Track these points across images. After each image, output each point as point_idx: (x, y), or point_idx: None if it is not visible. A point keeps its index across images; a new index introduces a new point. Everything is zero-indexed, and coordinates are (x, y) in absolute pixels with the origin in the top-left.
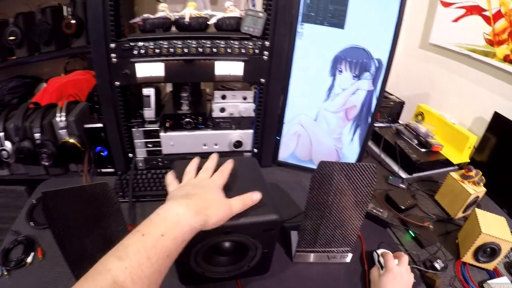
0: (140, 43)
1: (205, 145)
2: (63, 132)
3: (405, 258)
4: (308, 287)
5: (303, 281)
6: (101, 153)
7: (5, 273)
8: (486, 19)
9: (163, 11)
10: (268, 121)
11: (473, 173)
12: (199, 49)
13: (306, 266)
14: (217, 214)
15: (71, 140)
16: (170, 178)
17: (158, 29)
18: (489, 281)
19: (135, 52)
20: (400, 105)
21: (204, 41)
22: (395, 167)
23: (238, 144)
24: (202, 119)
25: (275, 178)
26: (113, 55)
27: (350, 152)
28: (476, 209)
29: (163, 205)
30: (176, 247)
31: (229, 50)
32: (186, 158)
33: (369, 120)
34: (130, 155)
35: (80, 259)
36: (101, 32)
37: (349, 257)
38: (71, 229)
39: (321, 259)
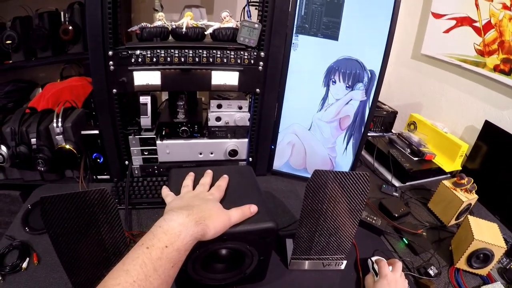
0: (138, 51)
1: (200, 154)
2: (59, 138)
3: (399, 264)
4: None
5: None
6: (98, 160)
7: (0, 278)
8: (477, 30)
9: (161, 20)
10: (263, 130)
11: (465, 180)
12: (195, 58)
13: (301, 274)
14: (217, 225)
15: (68, 146)
16: (166, 190)
17: (156, 38)
18: (482, 287)
19: (133, 60)
20: (393, 114)
21: (200, 50)
22: (388, 176)
23: (234, 153)
24: (198, 127)
25: (270, 187)
26: (110, 62)
27: (344, 161)
28: (469, 216)
29: (164, 217)
30: (180, 257)
31: (225, 60)
32: (182, 166)
33: (363, 129)
34: (126, 162)
35: (77, 265)
36: (99, 39)
37: (343, 264)
38: (69, 235)
39: (316, 266)
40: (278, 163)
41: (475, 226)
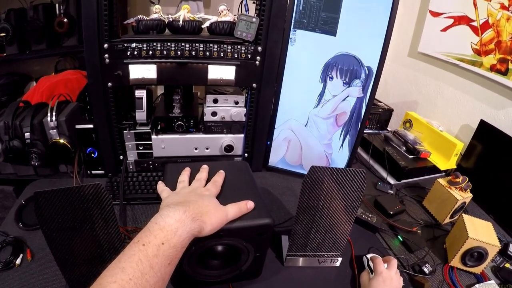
0: (134, 44)
1: (196, 149)
2: (53, 132)
3: (394, 262)
4: None
5: (294, 285)
6: (92, 155)
7: None
8: (474, 29)
9: (157, 13)
10: (259, 126)
11: (460, 179)
12: (192, 52)
13: (297, 270)
14: (213, 221)
15: (62, 141)
16: (162, 185)
17: (152, 31)
18: (476, 285)
19: (129, 53)
20: (389, 112)
21: (197, 44)
22: (384, 173)
23: (229, 148)
24: (194, 122)
25: (266, 183)
26: (106, 55)
27: (340, 158)
28: (463, 214)
29: (160, 213)
30: (176, 254)
31: (221, 54)
32: (177, 161)
33: (359, 126)
34: (121, 157)
35: (71, 262)
36: (94, 31)
37: (339, 261)
38: (63, 231)
39: (312, 263)
40: (274, 159)
41: (469, 225)
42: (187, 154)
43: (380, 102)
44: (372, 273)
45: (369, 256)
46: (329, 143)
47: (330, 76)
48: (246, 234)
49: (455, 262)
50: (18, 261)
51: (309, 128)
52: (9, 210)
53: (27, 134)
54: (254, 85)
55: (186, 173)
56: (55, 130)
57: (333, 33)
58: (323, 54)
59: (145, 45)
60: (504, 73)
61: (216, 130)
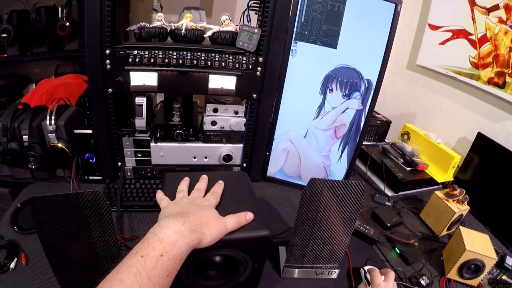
0: (135, 51)
1: (194, 158)
2: (52, 136)
3: (392, 274)
4: None
5: None
6: (90, 160)
7: None
8: (472, 42)
9: (160, 20)
10: (258, 136)
11: (457, 192)
12: (193, 61)
13: (294, 282)
14: (213, 232)
15: (60, 145)
16: (161, 194)
17: (154, 39)
18: None
19: (130, 60)
20: (387, 124)
21: (199, 53)
22: (381, 185)
23: (228, 158)
24: (193, 131)
25: (264, 193)
26: (107, 61)
27: (338, 169)
28: (461, 227)
29: (159, 224)
30: (175, 266)
31: (223, 64)
32: (175, 170)
33: (358, 138)
34: (119, 163)
35: (67, 268)
36: (97, 37)
37: (336, 273)
38: (60, 237)
39: (309, 275)
40: (272, 170)
41: (466, 237)
42: (186, 162)
43: (378, 114)
44: (369, 285)
45: (366, 268)
46: (328, 154)
47: (330, 88)
48: (244, 246)
49: (452, 274)
50: (12, 265)
51: (308, 140)
52: (4, 212)
53: (25, 137)
54: (255, 95)
55: (185, 182)
56: (54, 134)
57: (334, 46)
58: (324, 66)
59: (146, 53)
60: (502, 86)
61: (215, 139)
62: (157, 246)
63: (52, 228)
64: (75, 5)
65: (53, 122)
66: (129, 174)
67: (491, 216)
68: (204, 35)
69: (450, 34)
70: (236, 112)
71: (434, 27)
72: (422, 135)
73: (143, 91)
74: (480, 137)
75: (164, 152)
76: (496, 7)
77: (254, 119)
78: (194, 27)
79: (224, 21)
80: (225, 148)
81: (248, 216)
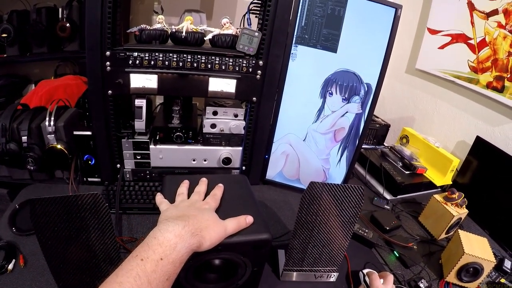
0: (136, 53)
1: (194, 160)
2: (51, 137)
3: (390, 277)
4: None
5: None
6: (89, 162)
7: None
8: (471, 47)
9: (160, 23)
10: (257, 139)
11: (456, 195)
12: (194, 63)
13: (293, 285)
14: (212, 236)
15: (59, 146)
16: (160, 197)
17: (154, 41)
18: None
19: (130, 62)
20: (386, 127)
21: (199, 56)
22: (380, 189)
23: (227, 161)
24: (193, 134)
25: (263, 197)
26: (107, 63)
27: (337, 173)
28: (459, 230)
29: (159, 227)
30: (175, 270)
31: (223, 67)
32: (174, 172)
33: (357, 142)
34: (118, 165)
35: (65, 270)
36: (97, 38)
37: (335, 277)
38: (58, 239)
39: (308, 278)
40: (272, 173)
41: (465, 240)
42: (185, 165)
43: (377, 117)
44: None
45: (365, 271)
46: (327, 158)
47: (330, 92)
48: (244, 249)
49: (451, 277)
50: (10, 267)
51: (308, 143)
52: (2, 213)
53: (24, 138)
54: (254, 98)
55: (185, 185)
56: (53, 135)
57: (334, 50)
58: (324, 70)
59: (147, 55)
60: (500, 90)
61: (214, 142)
62: (157, 249)
63: (51, 230)
64: (75, 6)
65: (52, 123)
66: (128, 176)
67: (490, 219)
68: (205, 38)
69: (449, 38)
70: (236, 115)
71: (433, 32)
72: (421, 139)
73: (143, 93)
74: (479, 141)
75: (164, 154)
76: (495, 12)
77: (254, 122)
78: (194, 30)
79: (224, 24)
80: (225, 151)
81: (248, 219)
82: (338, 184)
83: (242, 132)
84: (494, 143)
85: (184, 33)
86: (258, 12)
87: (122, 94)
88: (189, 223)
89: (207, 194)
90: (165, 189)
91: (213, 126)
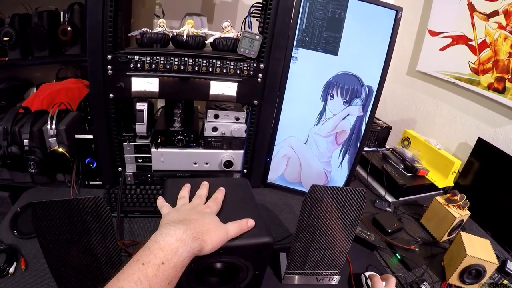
0: (137, 57)
1: (195, 163)
2: (52, 140)
3: (393, 280)
4: None
5: None
6: (90, 165)
7: None
8: (472, 48)
9: (161, 26)
10: (259, 142)
11: (458, 197)
12: (195, 67)
13: None
14: (214, 240)
15: (60, 149)
16: (162, 200)
17: (156, 44)
18: None
19: (132, 65)
20: (387, 130)
21: (200, 59)
22: (382, 191)
23: (229, 164)
24: (194, 137)
25: (264, 200)
26: (109, 66)
27: (339, 175)
28: (461, 232)
29: (160, 231)
30: (176, 274)
31: (224, 70)
32: (176, 175)
33: (358, 145)
34: (119, 169)
35: (67, 274)
36: (98, 42)
37: (337, 279)
38: (60, 242)
39: (310, 281)
40: (273, 176)
41: (467, 242)
42: (186, 168)
43: (379, 119)
44: None
45: (367, 274)
46: (329, 161)
47: (331, 94)
48: (245, 252)
49: (453, 279)
50: (11, 270)
51: (309, 146)
52: (4, 216)
53: (26, 141)
54: (255, 102)
55: (186, 189)
56: (54, 138)
57: (335, 53)
58: (325, 73)
59: (148, 58)
60: (502, 91)
61: (216, 145)
62: (158, 253)
63: (52, 233)
64: (77, 10)
65: (54, 126)
66: (129, 179)
67: (492, 221)
68: (206, 41)
69: (450, 40)
70: (237, 118)
71: (434, 33)
72: (422, 141)
73: (144, 96)
74: (480, 142)
75: (165, 157)
76: (495, 13)
77: (255, 125)
78: (195, 33)
79: (225, 28)
80: (226, 154)
81: (250, 223)
82: (339, 187)
83: (244, 135)
84: (496, 145)
85: (185, 37)
86: (259, 15)
87: (123, 97)
88: (190, 227)
89: (208, 197)
90: (167, 192)
91: (214, 129)
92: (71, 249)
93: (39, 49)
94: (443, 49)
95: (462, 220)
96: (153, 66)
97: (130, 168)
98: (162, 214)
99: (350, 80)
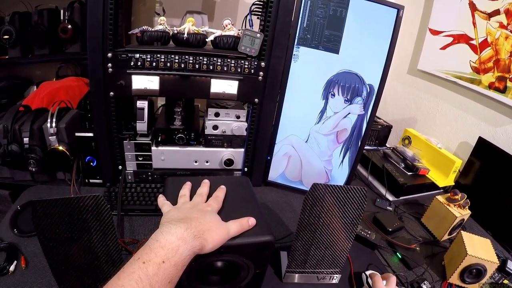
0: (137, 55)
1: (196, 162)
2: (52, 138)
3: (393, 279)
4: None
5: None
6: (91, 163)
7: None
8: (473, 47)
9: (162, 24)
10: (259, 140)
11: (458, 196)
12: (195, 65)
13: (295, 287)
14: (215, 238)
15: (61, 148)
16: (163, 198)
17: (156, 42)
18: None
19: (132, 63)
20: (388, 128)
21: (201, 57)
22: (383, 190)
23: (229, 162)
24: (195, 135)
25: (265, 198)
26: (109, 64)
27: (340, 174)
28: (462, 231)
29: (161, 229)
30: (177, 273)
31: (225, 68)
32: (176, 174)
33: (359, 143)
34: (120, 167)
35: (67, 272)
36: (99, 40)
37: (338, 278)
38: (60, 240)
39: (311, 280)
40: (274, 174)
41: (468, 242)
42: (187, 166)
43: (379, 118)
44: None
45: (368, 273)
46: (329, 159)
47: (332, 93)
48: (246, 251)
49: (454, 279)
50: (12, 268)
51: (310, 144)
52: (4, 214)
53: (26, 139)
54: (256, 100)
55: (187, 187)
56: (55, 136)
57: (336, 51)
58: (326, 71)
59: (149, 56)
60: (502, 91)
61: (216, 143)
62: (159, 252)
63: (53, 232)
64: (77, 8)
65: (54, 124)
66: (129, 177)
67: (493, 220)
68: (206, 40)
69: (451, 39)
70: (238, 117)
71: (435, 32)
72: (423, 140)
73: (145, 94)
74: (481, 142)
75: (165, 156)
76: (496, 12)
77: (256, 124)
78: (196, 31)
79: (226, 26)
80: (227, 152)
81: (250, 221)
82: (340, 186)
83: (244, 133)
84: (497, 144)
85: (185, 35)
86: (260, 13)
87: (124, 95)
88: (191, 226)
89: (209, 196)
90: (167, 190)
91: (215, 127)
92: (72, 247)
93: (39, 47)
94: (444, 48)
95: (463, 219)
96: (154, 64)
97: (131, 166)
98: (163, 213)
99: (351, 78)
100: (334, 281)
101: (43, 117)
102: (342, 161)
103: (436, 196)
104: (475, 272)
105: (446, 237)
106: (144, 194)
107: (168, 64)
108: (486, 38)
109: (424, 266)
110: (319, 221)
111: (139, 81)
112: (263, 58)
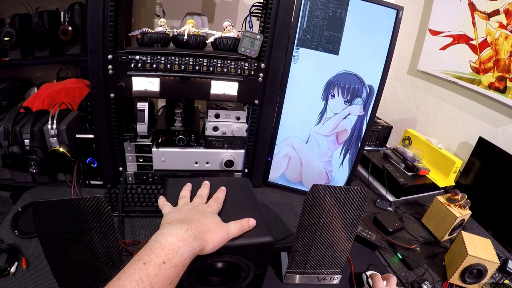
0: (138, 57)
1: (196, 163)
2: (53, 140)
3: (394, 279)
4: None
5: None
6: (91, 165)
7: None
8: (473, 47)
9: (162, 26)
10: (260, 142)
11: (459, 196)
12: (196, 66)
13: None
14: (215, 239)
15: (61, 149)
16: (163, 200)
17: (156, 44)
18: None
19: (132, 65)
20: (388, 129)
21: (201, 59)
22: (383, 191)
23: (230, 163)
24: (195, 136)
25: (265, 199)
26: (109, 66)
27: (340, 175)
28: (463, 231)
29: (161, 230)
30: (177, 273)
31: (225, 70)
32: (177, 175)
33: (359, 144)
34: (120, 168)
35: (68, 273)
36: (99, 42)
37: (338, 279)
38: (61, 242)
39: (311, 280)
40: (274, 175)
41: (468, 242)
42: (187, 168)
43: (380, 119)
44: None
45: (368, 273)
46: (330, 160)
47: (332, 94)
48: (247, 252)
49: (454, 279)
50: (13, 269)
51: (310, 145)
52: (5, 216)
53: (26, 141)
54: (256, 101)
55: (187, 188)
56: (55, 138)
57: (336, 52)
58: (326, 72)
59: (149, 58)
60: (502, 91)
61: (217, 145)
62: (159, 253)
63: (53, 233)
64: (77, 10)
65: (54, 126)
66: (130, 179)
67: (493, 220)
68: (206, 41)
69: (451, 39)
70: (238, 118)
71: (435, 33)
72: (423, 140)
73: (145, 96)
74: (481, 142)
75: (166, 157)
76: (496, 12)
77: (256, 125)
78: (196, 33)
79: (226, 27)
80: (227, 153)
81: (251, 222)
82: (340, 186)
83: (244, 134)
84: (497, 144)
85: (186, 36)
86: (259, 15)
87: (124, 97)
88: (192, 227)
89: (209, 197)
90: (168, 192)
91: (215, 129)
92: (72, 248)
93: (39, 49)
94: (444, 48)
95: (463, 219)
96: (154, 65)
97: (131, 167)
98: (163, 214)
99: (351, 79)
100: (334, 282)
101: (44, 119)
102: (342, 162)
103: (437, 197)
104: (475, 272)
105: (446, 237)
106: (144, 196)
107: (168, 65)
108: (486, 38)
109: (425, 266)
110: (319, 221)
111: (140, 82)
112: (263, 59)
